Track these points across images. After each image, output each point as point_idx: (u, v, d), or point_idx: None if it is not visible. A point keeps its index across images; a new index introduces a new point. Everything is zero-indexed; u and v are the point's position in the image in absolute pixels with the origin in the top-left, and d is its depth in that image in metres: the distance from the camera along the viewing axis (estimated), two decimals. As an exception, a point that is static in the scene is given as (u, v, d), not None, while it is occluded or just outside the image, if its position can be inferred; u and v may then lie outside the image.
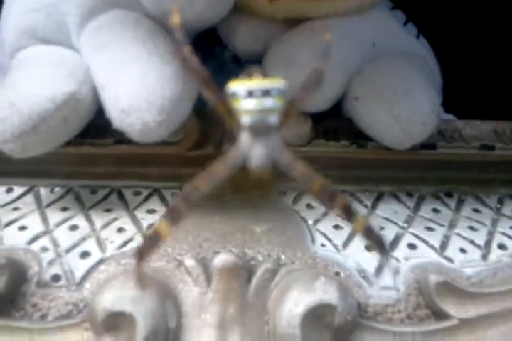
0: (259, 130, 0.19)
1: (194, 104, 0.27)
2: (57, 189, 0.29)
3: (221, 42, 0.34)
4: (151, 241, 0.18)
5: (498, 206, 0.29)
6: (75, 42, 0.30)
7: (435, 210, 0.29)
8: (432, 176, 0.30)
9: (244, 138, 0.19)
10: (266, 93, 0.19)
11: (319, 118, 0.30)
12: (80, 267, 0.24)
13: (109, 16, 0.28)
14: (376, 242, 0.20)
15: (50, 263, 0.24)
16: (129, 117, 0.25)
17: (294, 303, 0.21)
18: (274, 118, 0.19)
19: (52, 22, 0.30)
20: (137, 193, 0.29)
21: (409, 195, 0.30)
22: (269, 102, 0.18)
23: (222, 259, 0.23)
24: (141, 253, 0.18)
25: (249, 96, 0.19)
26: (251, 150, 0.19)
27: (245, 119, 0.19)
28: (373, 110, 0.28)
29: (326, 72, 0.28)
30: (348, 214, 0.19)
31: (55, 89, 0.25)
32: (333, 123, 0.30)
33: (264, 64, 0.30)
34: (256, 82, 0.19)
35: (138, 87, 0.25)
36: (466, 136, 0.30)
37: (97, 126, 0.28)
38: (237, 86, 0.19)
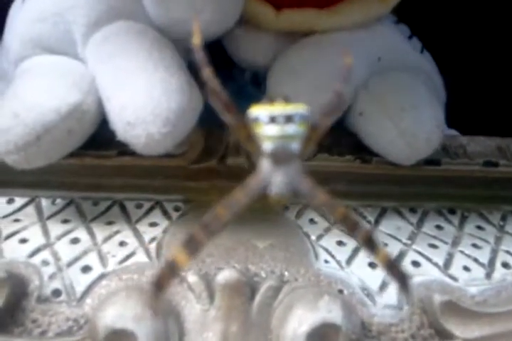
0: (281, 157, 0.18)
1: (199, 117, 0.27)
2: (58, 200, 0.29)
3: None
4: (168, 271, 0.17)
5: (502, 223, 0.29)
6: (81, 53, 0.29)
7: (438, 227, 0.29)
8: (436, 192, 0.30)
9: (265, 165, 0.19)
10: (288, 119, 0.18)
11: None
12: (81, 282, 0.24)
13: (114, 27, 0.28)
14: (398, 278, 0.19)
15: (51, 277, 0.24)
16: (134, 129, 0.25)
17: (298, 322, 0.21)
18: (295, 145, 0.18)
19: (58, 32, 0.30)
20: (139, 206, 0.28)
21: (413, 210, 0.30)
22: (291, 129, 0.18)
23: (225, 275, 0.23)
24: (158, 285, 0.17)
25: (271, 122, 0.18)
26: (271, 178, 0.18)
27: (267, 146, 0.18)
28: (378, 125, 0.28)
29: (330, 88, 0.29)
30: (371, 244, 0.18)
31: (60, 100, 0.25)
32: (337, 137, 0.30)
33: (269, 77, 0.30)
34: (278, 108, 0.19)
35: (144, 99, 0.25)
36: (470, 152, 0.30)
37: (100, 137, 0.28)
38: (260, 111, 0.18)
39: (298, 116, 0.18)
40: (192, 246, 0.17)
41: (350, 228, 0.18)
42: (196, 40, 0.20)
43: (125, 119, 0.25)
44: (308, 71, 0.29)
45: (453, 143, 0.31)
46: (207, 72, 0.19)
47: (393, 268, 0.18)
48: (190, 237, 0.17)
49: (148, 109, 0.24)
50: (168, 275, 0.17)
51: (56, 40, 0.29)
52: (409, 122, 0.28)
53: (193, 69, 0.34)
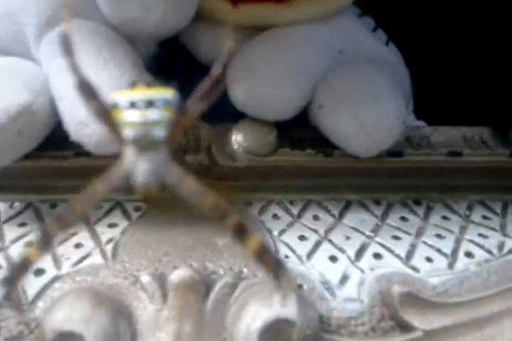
0: (144, 144, 0.18)
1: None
2: (16, 204, 0.28)
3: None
4: (20, 268, 0.17)
5: (467, 213, 0.29)
6: (35, 53, 0.29)
7: (403, 218, 0.28)
8: (400, 183, 0.29)
9: (128, 154, 0.18)
10: (150, 104, 0.17)
11: (284, 127, 0.29)
12: (33, 285, 0.23)
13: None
14: (271, 268, 0.18)
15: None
16: (86, 128, 0.24)
17: (252, 318, 0.20)
18: (159, 132, 0.18)
19: (9, 33, 0.29)
20: (98, 207, 0.28)
21: (377, 203, 0.29)
22: (153, 114, 0.17)
23: (178, 274, 0.22)
24: (10, 281, 0.17)
25: (131, 107, 0.17)
26: (135, 166, 0.18)
27: (128, 132, 0.18)
28: (338, 118, 0.28)
29: (287, 83, 0.28)
30: (241, 233, 0.18)
31: (8, 101, 0.25)
32: (298, 131, 0.30)
33: (227, 73, 0.30)
34: (139, 93, 0.18)
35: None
36: (434, 142, 0.30)
37: (56, 138, 0.27)
38: (119, 96, 0.18)
39: (161, 101, 0.18)
40: (44, 239, 0.17)
41: (220, 217, 0.18)
42: (65, 26, 0.19)
43: (77, 119, 0.25)
44: (265, 66, 0.28)
45: (416, 134, 0.30)
46: (70, 61, 0.18)
47: (265, 257, 0.18)
48: (43, 231, 0.17)
49: None
50: (19, 270, 0.17)
51: (9, 41, 0.29)
52: (368, 114, 0.27)
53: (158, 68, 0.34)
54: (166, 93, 0.18)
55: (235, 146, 0.29)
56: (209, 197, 0.18)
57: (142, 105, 0.17)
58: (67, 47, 0.18)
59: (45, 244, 0.17)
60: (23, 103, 0.25)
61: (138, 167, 0.18)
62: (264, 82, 0.28)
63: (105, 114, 0.18)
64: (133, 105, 0.17)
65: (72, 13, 0.28)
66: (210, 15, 0.31)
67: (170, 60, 0.34)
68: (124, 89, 0.18)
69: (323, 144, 0.29)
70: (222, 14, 0.31)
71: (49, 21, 0.28)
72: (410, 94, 0.35)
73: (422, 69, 0.37)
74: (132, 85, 0.19)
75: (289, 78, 0.29)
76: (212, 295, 0.22)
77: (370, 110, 0.27)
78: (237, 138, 0.29)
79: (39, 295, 0.23)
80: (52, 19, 0.28)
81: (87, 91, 0.18)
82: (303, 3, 0.31)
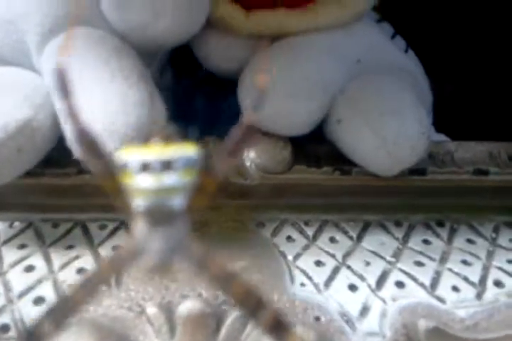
0: (158, 216, 0.14)
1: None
2: (16, 223, 0.27)
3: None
4: None
5: (494, 236, 0.27)
6: (36, 63, 0.28)
7: (426, 241, 0.27)
8: (422, 204, 0.28)
9: (139, 227, 0.14)
10: (167, 166, 0.14)
11: (300, 143, 0.28)
12: (32, 315, 0.22)
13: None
14: None
15: (0, 310, 0.22)
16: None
17: (266, 359, 0.19)
18: (178, 200, 0.14)
19: (10, 41, 0.28)
20: (103, 227, 0.26)
21: (398, 224, 0.28)
22: (170, 179, 0.14)
23: (187, 307, 0.21)
24: None
25: (144, 170, 0.14)
26: (147, 244, 0.15)
27: (139, 202, 0.14)
28: (357, 133, 0.26)
29: (303, 96, 0.27)
30: (279, 330, 0.14)
31: (7, 116, 0.23)
32: (314, 148, 0.28)
33: (239, 84, 0.28)
34: (155, 152, 0.14)
35: (99, 113, 0.23)
36: (459, 159, 0.28)
37: (59, 154, 0.26)
38: (129, 156, 0.14)
39: (181, 162, 0.14)
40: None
41: (252, 310, 0.15)
42: (61, 59, 0.15)
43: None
44: (281, 78, 0.27)
45: (440, 150, 0.28)
46: (67, 104, 0.14)
47: None
48: (32, 331, 0.14)
49: (103, 124, 0.22)
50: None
51: (9, 50, 0.28)
52: (390, 129, 0.26)
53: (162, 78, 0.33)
54: (188, 151, 0.14)
55: (247, 163, 0.27)
56: (239, 285, 0.15)
57: (157, 167, 0.14)
58: (63, 86, 0.14)
59: None
60: (23, 119, 0.23)
61: (150, 245, 0.14)
62: (279, 94, 0.27)
63: (110, 175, 0.15)
64: (146, 167, 0.14)
65: (77, 21, 0.27)
66: (222, 22, 0.30)
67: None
68: (136, 146, 0.15)
69: (341, 161, 0.27)
70: (234, 22, 0.29)
71: (52, 29, 0.27)
72: (431, 106, 0.33)
73: (442, 78, 0.35)
74: (147, 139, 0.15)
75: (305, 91, 0.27)
76: (223, 331, 0.20)
77: (391, 124, 0.26)
78: (250, 155, 0.27)
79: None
80: (56, 26, 0.27)
81: (88, 143, 0.15)
82: (319, 9, 0.30)
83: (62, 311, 0.14)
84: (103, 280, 0.15)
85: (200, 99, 0.34)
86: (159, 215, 0.14)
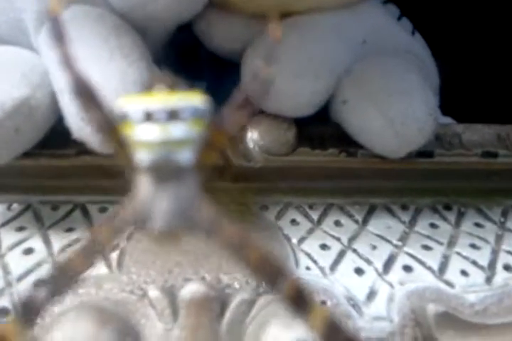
0: (165, 172, 0.13)
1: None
2: (14, 205, 0.26)
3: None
4: None
5: (502, 220, 0.26)
6: (34, 42, 0.27)
7: (433, 225, 0.26)
8: (429, 187, 0.27)
9: (143, 185, 0.13)
10: (173, 115, 0.13)
11: (304, 124, 0.27)
12: (31, 298, 0.21)
13: (70, 12, 0.26)
14: None
15: (-1, 293, 0.21)
16: (89, 126, 0.22)
17: (272, 342, 0.18)
18: (186, 154, 0.13)
19: (7, 19, 0.27)
20: (103, 209, 0.26)
21: (404, 207, 0.27)
22: (178, 129, 0.13)
23: (190, 290, 0.20)
24: None
25: (147, 120, 0.13)
26: (152, 204, 0.13)
27: (143, 156, 0.13)
28: (364, 115, 0.25)
29: (308, 76, 0.26)
30: (300, 301, 0.13)
31: (4, 95, 0.23)
32: (319, 129, 0.27)
33: (243, 65, 0.28)
34: (158, 99, 0.13)
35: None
36: (467, 141, 0.27)
37: (57, 134, 0.25)
38: (130, 105, 0.13)
39: (188, 111, 0.13)
40: (29, 310, 0.13)
41: (271, 278, 0.13)
42: (53, 7, 0.14)
43: (79, 115, 0.22)
44: (284, 58, 0.26)
45: (447, 132, 0.28)
46: (62, 51, 0.13)
47: (335, 333, 0.13)
48: (25, 303, 0.13)
49: None
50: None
51: (6, 29, 0.27)
52: (397, 110, 0.25)
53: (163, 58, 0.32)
54: (195, 99, 0.13)
55: (250, 145, 0.26)
56: (256, 251, 0.13)
57: (163, 117, 0.13)
58: (57, 33, 0.13)
59: (29, 320, 0.13)
60: (21, 97, 0.23)
61: (156, 205, 0.13)
62: (283, 74, 0.26)
63: (109, 127, 0.13)
64: (150, 117, 0.13)
65: None
66: (225, 1, 0.29)
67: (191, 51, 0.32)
68: (137, 94, 0.14)
69: (347, 143, 0.27)
70: (238, 1, 0.28)
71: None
72: (437, 88, 0.33)
73: (448, 60, 0.34)
74: (148, 87, 0.14)
75: (310, 71, 0.26)
76: (228, 314, 0.20)
77: (399, 106, 0.25)
78: (253, 136, 0.27)
79: (37, 310, 0.21)
80: (53, 4, 0.26)
81: (84, 94, 0.14)
82: (324, -12, 0.29)
83: (59, 279, 0.13)
84: (103, 246, 0.14)
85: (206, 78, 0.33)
86: (166, 170, 0.13)
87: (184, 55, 0.33)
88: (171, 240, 0.13)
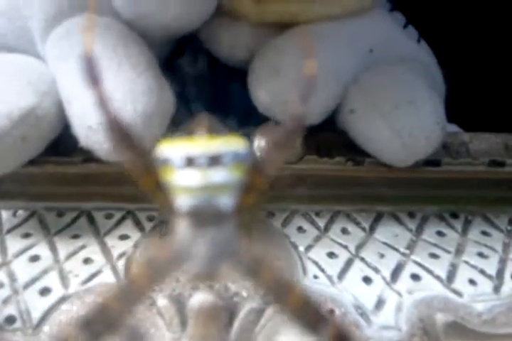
0: (205, 217, 0.13)
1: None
2: (20, 212, 0.26)
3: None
4: None
5: (509, 228, 0.26)
6: (41, 50, 0.27)
7: (440, 233, 0.26)
8: (436, 195, 0.27)
9: (182, 229, 0.13)
10: (214, 161, 0.13)
11: (311, 133, 0.27)
12: (38, 306, 0.21)
13: (77, 21, 0.26)
14: None
15: (5, 301, 0.21)
16: (96, 134, 0.22)
17: (282, 352, 0.18)
18: (226, 200, 0.13)
19: (14, 28, 0.27)
20: (109, 216, 0.26)
21: (411, 215, 0.27)
22: (219, 175, 0.13)
23: (199, 299, 0.20)
24: None
25: (188, 165, 0.13)
26: (191, 249, 0.13)
27: (183, 200, 0.13)
28: (371, 124, 0.25)
29: (317, 84, 0.26)
30: None
31: (11, 104, 0.22)
32: (326, 137, 0.27)
33: (249, 74, 0.27)
34: (200, 144, 0.13)
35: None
36: (474, 150, 0.27)
37: (64, 142, 0.25)
38: (172, 150, 0.13)
39: (229, 156, 0.13)
40: None
41: (313, 324, 0.13)
42: (86, 40, 0.14)
43: (86, 124, 0.22)
44: (291, 66, 0.26)
45: (454, 141, 0.28)
46: (98, 93, 0.13)
47: None
48: None
49: None
50: None
51: (13, 37, 0.27)
52: (404, 120, 0.25)
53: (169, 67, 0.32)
54: (236, 144, 0.13)
55: (258, 153, 0.26)
56: (297, 295, 0.13)
57: (204, 162, 0.13)
58: (92, 73, 0.13)
59: None
60: (28, 106, 0.23)
61: (195, 249, 0.13)
62: (290, 83, 0.26)
63: (146, 169, 0.13)
64: (191, 162, 0.13)
65: (81, 6, 0.26)
66: (231, 10, 0.29)
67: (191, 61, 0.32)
68: (179, 139, 0.13)
69: (354, 151, 0.26)
70: (244, 9, 0.29)
71: (56, 15, 0.26)
72: (444, 96, 0.33)
73: (453, 67, 0.34)
74: (188, 132, 0.14)
75: (318, 79, 0.26)
76: (237, 324, 0.20)
77: (406, 115, 0.25)
78: (260, 144, 0.27)
79: (45, 317, 0.21)
80: (60, 12, 0.26)
81: (120, 134, 0.13)
82: (332, -3, 0.29)
83: (97, 325, 0.13)
84: (142, 290, 0.13)
85: (235, 88, 0.33)
86: (206, 215, 0.13)
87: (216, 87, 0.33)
88: (207, 281, 0.13)
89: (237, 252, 0.13)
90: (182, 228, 0.13)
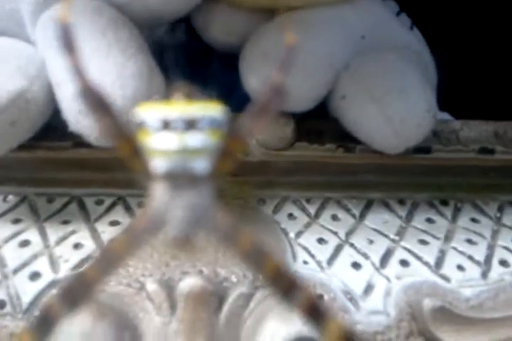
0: (181, 180, 0.13)
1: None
2: (10, 197, 0.26)
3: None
4: None
5: (498, 215, 0.27)
6: (30, 33, 0.26)
7: (429, 220, 0.26)
8: (426, 182, 0.27)
9: (159, 193, 0.13)
10: (191, 125, 0.13)
11: (302, 119, 0.27)
12: (28, 291, 0.21)
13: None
14: None
15: (-5, 286, 0.21)
16: (86, 119, 0.22)
17: (270, 336, 0.18)
18: (202, 163, 0.13)
19: (3, 10, 0.27)
20: (100, 202, 0.26)
21: (401, 202, 0.27)
22: (195, 139, 0.13)
23: (188, 284, 0.20)
24: None
25: (165, 128, 0.13)
26: (168, 212, 0.13)
27: (159, 164, 0.13)
28: (363, 110, 0.25)
29: (307, 70, 0.26)
30: (316, 314, 0.13)
31: (0, 88, 0.22)
32: (317, 124, 0.27)
33: (241, 60, 0.27)
34: (177, 108, 0.13)
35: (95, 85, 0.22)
36: (464, 138, 0.28)
37: (54, 127, 0.25)
38: (148, 113, 0.13)
39: (205, 121, 0.13)
40: (44, 325, 0.13)
41: (285, 290, 0.13)
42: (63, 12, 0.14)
43: (76, 108, 0.22)
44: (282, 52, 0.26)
45: (444, 129, 0.28)
46: (72, 61, 0.13)
47: None
48: (42, 314, 0.13)
49: None
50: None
51: (2, 20, 0.27)
52: (396, 107, 0.25)
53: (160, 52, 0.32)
54: (213, 109, 0.13)
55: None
56: (272, 262, 0.13)
57: (180, 126, 0.13)
58: (67, 41, 0.13)
59: (45, 331, 0.13)
60: (17, 90, 0.23)
61: (172, 213, 0.13)
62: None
63: (122, 135, 0.13)
64: (167, 126, 0.13)
65: None
66: (223, -6, 0.29)
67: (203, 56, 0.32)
68: (155, 102, 0.14)
69: (344, 138, 0.26)
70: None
71: (46, -2, 0.25)
72: (435, 84, 0.33)
73: (445, 55, 0.34)
74: (166, 96, 0.14)
75: (308, 66, 0.26)
76: (226, 308, 0.20)
77: (398, 102, 0.25)
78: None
79: (34, 302, 0.21)
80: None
81: (95, 102, 0.14)
82: (323, -18, 0.29)
83: (76, 291, 0.13)
84: (120, 255, 0.13)
85: (215, 62, 0.32)
86: (182, 179, 0.13)
87: (195, 61, 0.33)
88: (185, 246, 0.13)
89: (213, 217, 0.13)
90: (158, 192, 0.13)
